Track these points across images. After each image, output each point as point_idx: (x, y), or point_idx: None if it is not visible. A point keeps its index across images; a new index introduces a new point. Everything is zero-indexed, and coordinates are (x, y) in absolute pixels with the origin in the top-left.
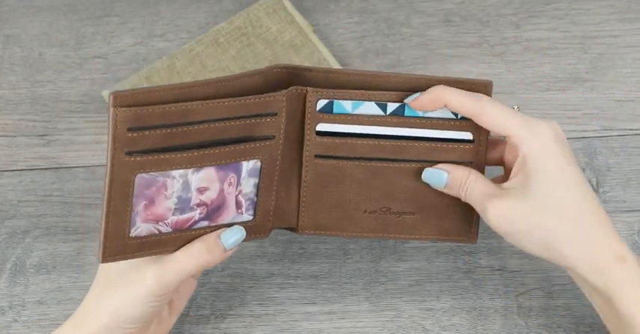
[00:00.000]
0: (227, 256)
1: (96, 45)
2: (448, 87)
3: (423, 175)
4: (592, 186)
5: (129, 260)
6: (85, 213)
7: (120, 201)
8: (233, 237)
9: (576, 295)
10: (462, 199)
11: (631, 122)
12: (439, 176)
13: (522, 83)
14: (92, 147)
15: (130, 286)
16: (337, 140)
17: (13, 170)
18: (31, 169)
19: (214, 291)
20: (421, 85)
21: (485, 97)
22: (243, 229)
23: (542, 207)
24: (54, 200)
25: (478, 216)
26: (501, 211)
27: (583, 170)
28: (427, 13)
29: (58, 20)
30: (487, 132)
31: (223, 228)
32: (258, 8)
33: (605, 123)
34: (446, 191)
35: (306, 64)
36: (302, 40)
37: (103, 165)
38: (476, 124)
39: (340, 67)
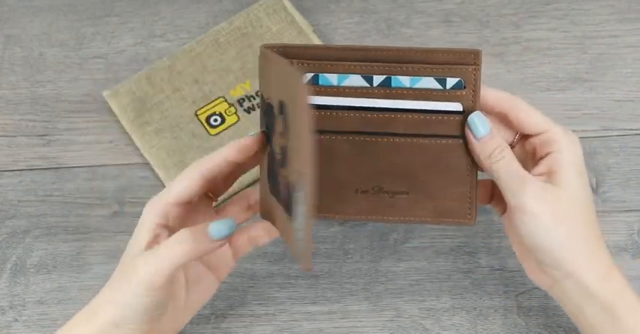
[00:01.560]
0: (215, 248)
1: (96, 45)
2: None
3: (470, 117)
4: (591, 186)
5: (128, 251)
6: (86, 213)
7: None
8: (222, 227)
9: None
10: (486, 169)
11: (631, 122)
12: (485, 124)
13: (522, 83)
14: (93, 148)
15: (127, 279)
16: (323, 112)
17: (14, 170)
18: (31, 169)
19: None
20: (406, 57)
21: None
22: (234, 225)
23: (568, 214)
24: (54, 200)
25: (477, 197)
26: (541, 193)
27: None
28: (427, 14)
29: (58, 20)
30: (477, 102)
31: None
32: (258, 8)
33: (605, 123)
34: (478, 147)
35: None
36: (302, 40)
37: (103, 165)
38: (466, 95)
39: None
